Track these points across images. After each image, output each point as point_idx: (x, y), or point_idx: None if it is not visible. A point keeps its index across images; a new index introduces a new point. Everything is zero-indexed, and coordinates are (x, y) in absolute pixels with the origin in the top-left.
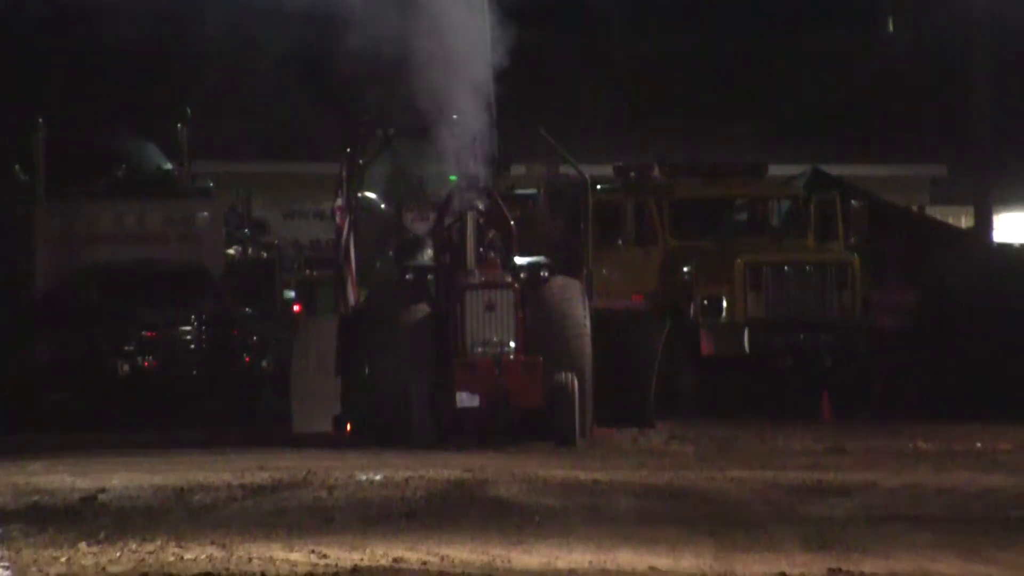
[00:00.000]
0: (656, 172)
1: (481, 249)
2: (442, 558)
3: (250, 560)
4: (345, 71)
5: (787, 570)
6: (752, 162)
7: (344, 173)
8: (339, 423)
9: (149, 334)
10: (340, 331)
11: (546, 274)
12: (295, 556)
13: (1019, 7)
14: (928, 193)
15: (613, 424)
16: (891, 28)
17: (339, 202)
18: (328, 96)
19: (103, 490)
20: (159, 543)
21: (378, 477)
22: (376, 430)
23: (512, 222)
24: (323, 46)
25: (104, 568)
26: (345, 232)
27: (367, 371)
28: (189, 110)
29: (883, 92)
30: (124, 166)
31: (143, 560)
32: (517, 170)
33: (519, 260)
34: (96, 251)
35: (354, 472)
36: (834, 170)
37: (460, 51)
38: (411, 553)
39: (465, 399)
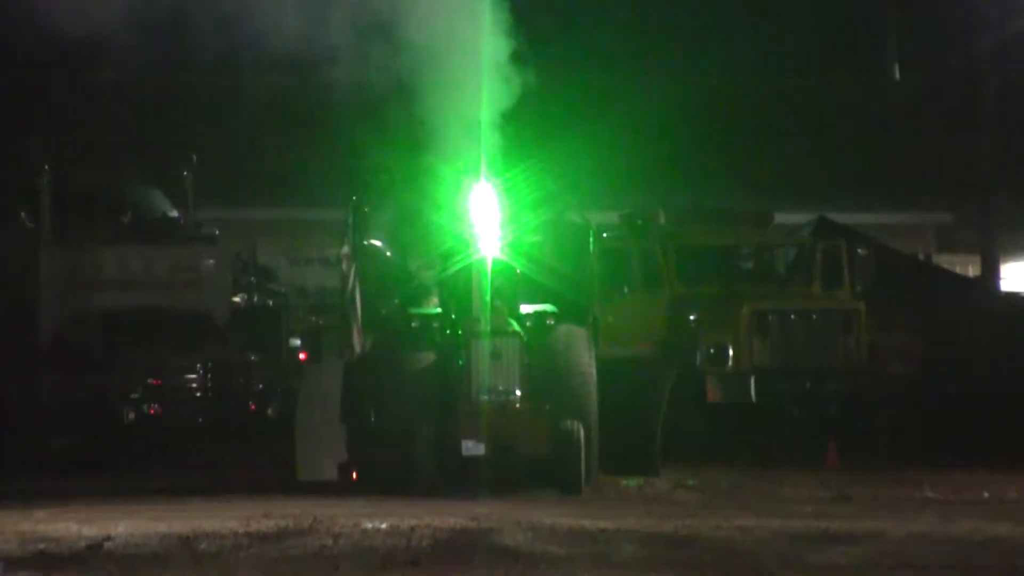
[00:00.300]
0: (662, 219)
1: (486, 297)
2: None
3: None
4: (351, 115)
5: None
6: (758, 210)
7: (350, 219)
8: (344, 470)
9: (155, 381)
10: (345, 378)
11: (552, 321)
12: None
13: None
14: (934, 241)
15: (619, 471)
16: (897, 75)
17: (345, 249)
18: (333, 142)
19: (109, 538)
20: None
21: (383, 525)
22: (381, 477)
23: (518, 269)
24: (328, 92)
25: None
26: (351, 279)
27: (372, 418)
28: (195, 156)
29: (889, 140)
30: (129, 212)
31: None
32: (523, 216)
33: (524, 307)
34: (101, 297)
35: (359, 520)
36: (840, 218)
37: (464, 93)
38: None
39: (470, 446)
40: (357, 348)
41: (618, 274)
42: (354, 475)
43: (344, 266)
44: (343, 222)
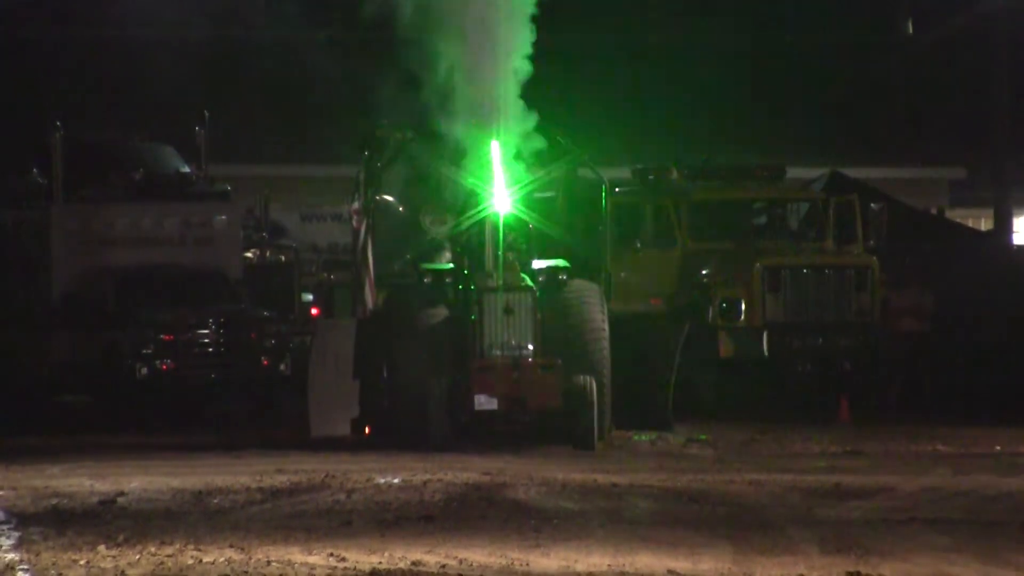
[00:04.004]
0: (674, 174)
1: (499, 252)
2: (460, 561)
3: (268, 563)
4: (365, 72)
5: (805, 573)
6: (771, 164)
7: (362, 176)
8: (357, 426)
9: (167, 337)
10: (358, 334)
11: (564, 277)
12: (313, 559)
13: None
14: (947, 196)
15: (631, 427)
16: (910, 30)
17: (356, 205)
18: (346, 98)
19: (122, 493)
20: (178, 546)
21: (396, 480)
22: (394, 433)
23: (530, 225)
24: (342, 48)
25: (123, 571)
26: (363, 235)
27: (385, 374)
28: (207, 113)
29: (902, 94)
30: (141, 169)
31: (162, 563)
32: (535, 172)
33: (537, 263)
34: (114, 254)
35: (372, 475)
36: (853, 173)
37: (481, 51)
38: (429, 556)
39: (483, 402)
40: (370, 304)
41: (631, 230)
42: (367, 431)
43: (356, 222)
44: (355, 178)
